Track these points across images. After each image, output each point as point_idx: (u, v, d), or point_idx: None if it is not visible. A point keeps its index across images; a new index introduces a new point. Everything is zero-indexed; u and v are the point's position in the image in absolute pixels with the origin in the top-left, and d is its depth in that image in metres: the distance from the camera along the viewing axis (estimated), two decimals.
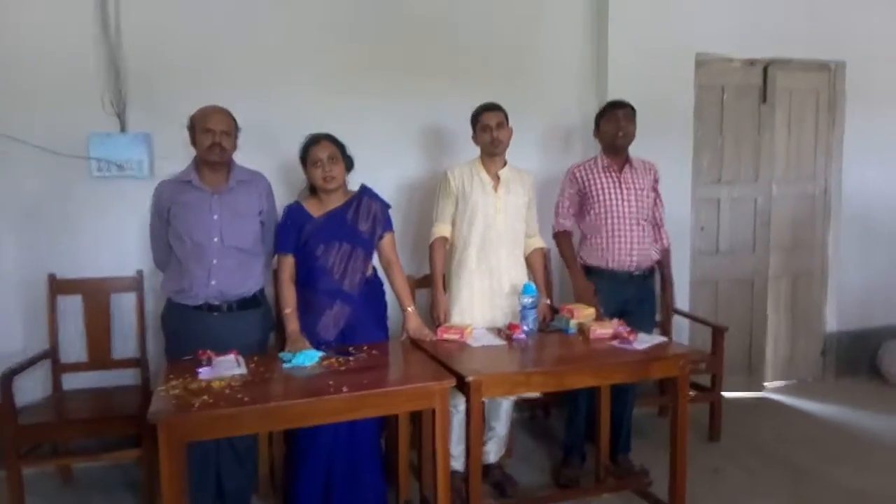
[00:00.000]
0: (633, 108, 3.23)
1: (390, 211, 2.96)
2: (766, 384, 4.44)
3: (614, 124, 3.18)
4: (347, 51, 3.61)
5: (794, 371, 4.63)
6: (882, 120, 4.51)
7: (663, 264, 3.42)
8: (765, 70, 4.28)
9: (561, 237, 3.30)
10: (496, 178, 3.06)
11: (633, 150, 3.30)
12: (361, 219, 2.83)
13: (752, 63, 4.27)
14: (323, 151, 2.74)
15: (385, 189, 3.13)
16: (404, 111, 3.72)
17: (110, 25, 3.24)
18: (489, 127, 3.00)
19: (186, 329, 2.70)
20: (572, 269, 3.23)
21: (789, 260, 4.53)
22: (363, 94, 3.61)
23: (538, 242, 3.24)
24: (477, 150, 3.11)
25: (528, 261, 3.19)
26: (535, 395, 3.00)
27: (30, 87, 3.19)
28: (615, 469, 3.22)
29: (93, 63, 3.23)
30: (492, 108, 3.04)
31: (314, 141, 2.78)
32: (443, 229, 3.09)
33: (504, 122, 3.04)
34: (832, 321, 4.62)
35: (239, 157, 2.83)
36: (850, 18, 4.36)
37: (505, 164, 3.11)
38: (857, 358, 4.65)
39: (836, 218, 4.56)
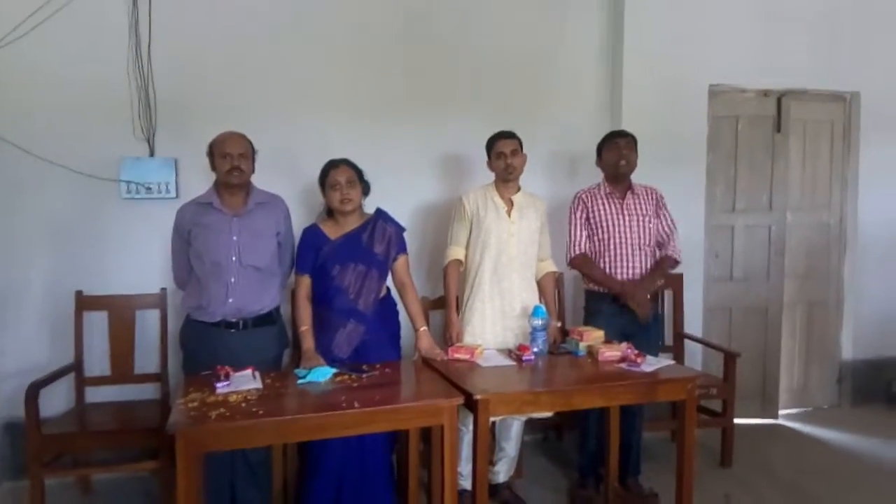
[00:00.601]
0: (633, 137, 3.30)
1: (405, 234, 3.05)
2: (780, 411, 4.42)
3: (616, 153, 3.25)
4: (368, 81, 3.74)
5: (809, 399, 4.62)
6: None
7: (662, 266, 3.26)
8: (779, 100, 4.33)
9: (579, 260, 3.28)
10: (510, 203, 3.14)
11: (647, 177, 3.38)
12: (377, 241, 2.91)
13: (766, 94, 4.32)
14: (341, 175, 2.85)
15: (402, 213, 3.22)
16: (422, 138, 3.83)
17: (142, 56, 3.41)
18: (504, 154, 3.08)
19: (204, 345, 2.80)
20: (608, 280, 3.18)
21: (804, 288, 4.54)
22: (383, 122, 3.75)
23: (550, 266, 3.30)
24: (492, 176, 3.20)
25: (540, 284, 3.25)
26: (544, 415, 3.04)
27: (67, 113, 3.36)
28: (624, 492, 3.24)
29: (125, 91, 3.39)
30: (507, 135, 3.13)
31: (333, 165, 2.89)
32: (457, 252, 3.16)
33: (518, 149, 3.12)
34: (848, 349, 4.60)
35: (263, 181, 2.96)
36: (864, 49, 4.41)
37: (519, 189, 3.19)
38: (873, 386, 4.62)
39: (852, 247, 4.57)
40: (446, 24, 3.86)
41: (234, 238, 2.79)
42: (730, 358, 3.67)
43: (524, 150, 3.16)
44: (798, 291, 4.52)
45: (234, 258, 2.78)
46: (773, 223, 4.37)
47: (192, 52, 3.48)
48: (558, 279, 3.53)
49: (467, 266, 3.18)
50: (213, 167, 2.82)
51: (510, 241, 3.10)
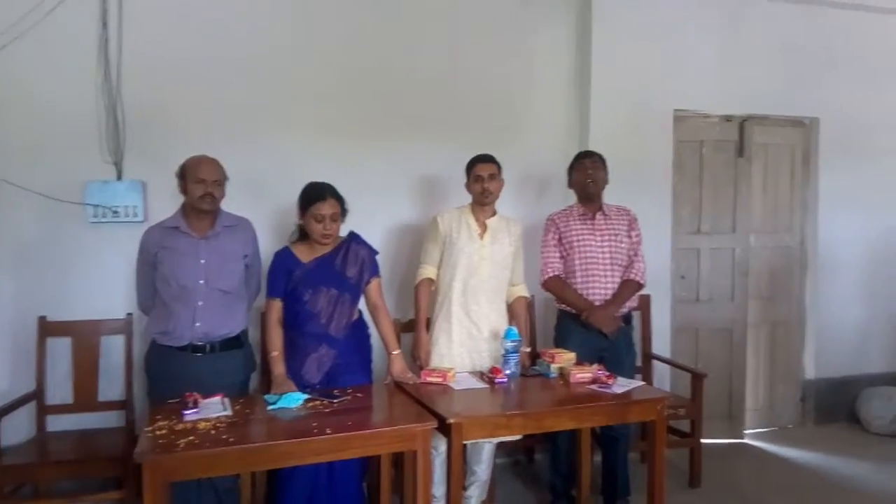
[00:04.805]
0: (601, 157, 3.38)
1: (378, 256, 3.04)
2: (746, 431, 4.48)
3: (583, 173, 3.32)
4: (342, 104, 3.73)
5: (774, 418, 4.69)
6: (855, 173, 4.64)
7: (623, 290, 3.29)
8: (741, 126, 4.44)
9: (552, 282, 3.34)
10: (483, 227, 3.15)
11: (615, 201, 3.44)
12: (349, 265, 2.91)
13: (728, 119, 4.44)
14: (327, 209, 2.80)
15: (376, 232, 3.22)
16: (397, 159, 3.82)
17: (111, 78, 3.37)
18: (481, 178, 3.10)
19: (170, 370, 2.75)
20: (580, 300, 3.24)
21: (768, 308, 4.64)
22: (357, 144, 3.73)
23: (522, 291, 3.32)
24: (468, 197, 3.22)
25: (512, 308, 3.26)
26: (516, 438, 3.04)
27: (33, 136, 3.30)
28: None
29: (93, 114, 3.34)
30: (486, 159, 3.14)
31: (321, 197, 2.81)
32: (429, 271, 3.17)
33: (496, 173, 3.14)
34: (811, 369, 4.69)
35: (231, 203, 2.93)
36: (823, 77, 4.55)
37: (494, 213, 3.21)
38: (836, 405, 4.71)
39: (813, 268, 4.68)
40: (421, 50, 3.88)
41: (202, 261, 2.76)
42: (697, 378, 3.72)
43: (502, 175, 3.19)
44: (762, 312, 4.61)
45: (201, 281, 2.75)
46: (737, 245, 4.46)
47: (160, 74, 3.44)
48: (530, 304, 3.54)
49: (438, 286, 3.18)
50: (184, 191, 2.79)
51: (481, 263, 3.11)
